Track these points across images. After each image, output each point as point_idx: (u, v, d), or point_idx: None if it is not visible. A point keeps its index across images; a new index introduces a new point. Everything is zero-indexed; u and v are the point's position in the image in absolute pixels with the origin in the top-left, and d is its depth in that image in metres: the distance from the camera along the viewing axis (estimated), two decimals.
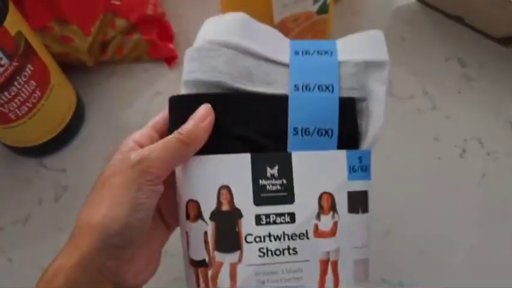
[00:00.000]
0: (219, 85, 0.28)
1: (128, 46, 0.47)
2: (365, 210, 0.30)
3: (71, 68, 0.46)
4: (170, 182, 0.29)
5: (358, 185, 0.29)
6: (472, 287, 0.37)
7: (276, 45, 0.30)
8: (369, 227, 0.30)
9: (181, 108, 0.28)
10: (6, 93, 0.37)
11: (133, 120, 0.46)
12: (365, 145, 0.30)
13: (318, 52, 0.30)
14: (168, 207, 0.30)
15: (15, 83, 0.37)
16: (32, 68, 0.37)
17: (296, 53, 0.30)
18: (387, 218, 0.40)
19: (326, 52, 0.30)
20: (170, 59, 0.49)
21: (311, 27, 0.45)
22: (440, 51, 0.49)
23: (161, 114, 0.29)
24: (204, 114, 0.27)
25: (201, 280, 0.28)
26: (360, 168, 0.29)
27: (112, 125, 0.46)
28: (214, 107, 0.28)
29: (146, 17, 0.47)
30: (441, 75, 0.47)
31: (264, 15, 0.42)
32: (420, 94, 0.46)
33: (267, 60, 0.30)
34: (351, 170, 0.29)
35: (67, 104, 0.43)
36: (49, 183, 0.44)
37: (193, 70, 0.29)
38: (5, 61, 0.35)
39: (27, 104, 0.39)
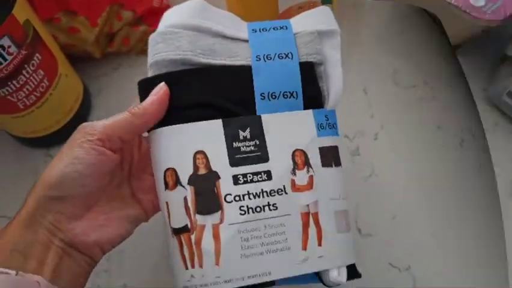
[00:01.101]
0: (185, 62, 0.30)
1: (135, 38, 0.48)
2: (338, 163, 0.31)
3: (78, 59, 0.47)
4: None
5: (328, 141, 0.31)
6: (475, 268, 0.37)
7: (235, 25, 0.32)
8: (343, 180, 0.31)
9: (148, 90, 0.29)
10: (14, 82, 0.37)
11: None
12: (328, 106, 0.32)
13: (274, 28, 0.32)
14: (139, 181, 0.32)
15: (24, 72, 0.37)
16: (40, 57, 0.37)
17: (254, 30, 0.32)
18: (392, 203, 0.41)
19: (281, 27, 0.32)
20: None
21: None
22: (435, 42, 0.49)
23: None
24: (156, 89, 0.29)
25: (185, 247, 0.28)
26: (328, 125, 0.31)
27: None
28: (181, 82, 0.30)
29: (152, 9, 0.47)
30: (440, 66, 0.48)
31: (269, 3, 0.42)
32: (421, 84, 0.47)
33: (228, 38, 0.32)
34: (320, 127, 0.31)
35: (74, 94, 0.44)
36: None
37: (158, 52, 0.30)
38: (13, 49, 0.35)
39: (35, 93, 0.39)
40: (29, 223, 0.26)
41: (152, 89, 0.29)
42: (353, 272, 0.30)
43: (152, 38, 0.31)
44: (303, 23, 0.32)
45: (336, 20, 0.49)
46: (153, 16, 0.48)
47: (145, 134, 0.31)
